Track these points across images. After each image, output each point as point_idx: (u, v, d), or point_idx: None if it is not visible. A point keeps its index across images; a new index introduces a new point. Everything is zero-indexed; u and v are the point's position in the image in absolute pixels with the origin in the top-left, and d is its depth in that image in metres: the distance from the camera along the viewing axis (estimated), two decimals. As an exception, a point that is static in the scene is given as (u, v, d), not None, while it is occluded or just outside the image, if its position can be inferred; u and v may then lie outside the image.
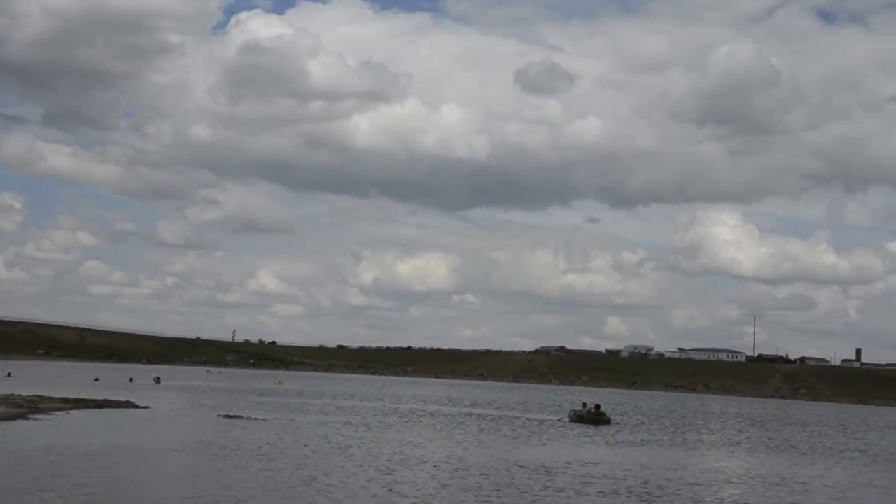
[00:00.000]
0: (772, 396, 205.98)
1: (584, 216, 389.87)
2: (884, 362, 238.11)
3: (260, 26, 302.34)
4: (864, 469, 39.39)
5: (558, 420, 60.48)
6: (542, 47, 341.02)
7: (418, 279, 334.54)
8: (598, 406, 61.85)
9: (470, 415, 65.01)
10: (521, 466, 31.60)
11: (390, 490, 24.54)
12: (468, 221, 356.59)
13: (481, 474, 28.85)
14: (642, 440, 48.51)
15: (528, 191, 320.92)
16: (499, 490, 25.39)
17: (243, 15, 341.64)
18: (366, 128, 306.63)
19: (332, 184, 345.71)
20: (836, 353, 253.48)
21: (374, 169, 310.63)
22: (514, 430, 50.50)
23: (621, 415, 70.49)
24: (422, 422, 55.29)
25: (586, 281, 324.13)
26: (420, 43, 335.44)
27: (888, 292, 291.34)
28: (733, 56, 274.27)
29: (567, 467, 32.06)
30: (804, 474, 34.97)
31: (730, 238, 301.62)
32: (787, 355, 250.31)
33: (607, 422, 58.47)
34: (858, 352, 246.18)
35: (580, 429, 53.73)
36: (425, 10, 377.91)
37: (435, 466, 30.69)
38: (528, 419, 61.89)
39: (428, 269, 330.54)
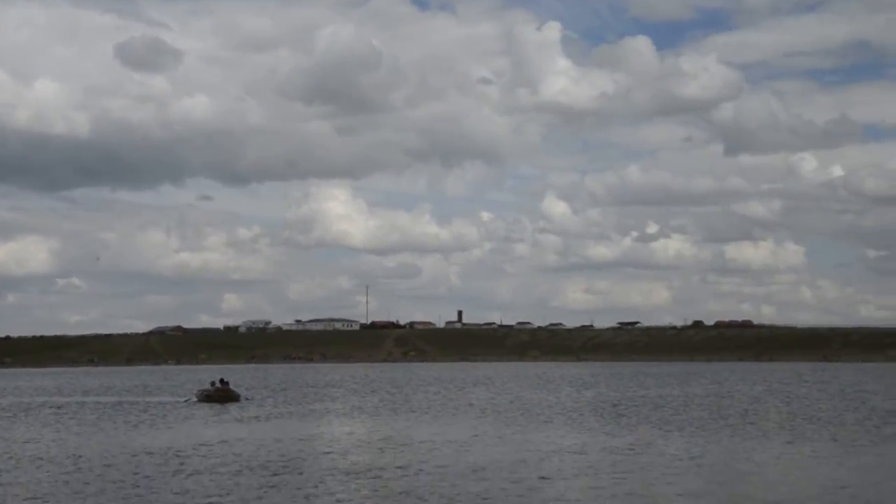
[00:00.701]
0: (384, 360, 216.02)
1: (196, 194, 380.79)
2: (482, 322, 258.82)
3: None
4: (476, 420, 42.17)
5: (185, 401, 58.31)
6: (145, 23, 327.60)
7: (15, 263, 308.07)
8: (223, 381, 60.18)
9: (83, 404, 60.85)
10: (148, 453, 29.93)
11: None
12: (71, 202, 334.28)
13: (105, 465, 26.89)
14: (271, 414, 48.24)
15: (136, 169, 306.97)
16: (123, 481, 23.77)
17: None
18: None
19: None
20: (440, 315, 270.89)
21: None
22: (137, 416, 47.96)
23: (247, 389, 69.71)
24: (29, 416, 50.75)
25: (201, 259, 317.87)
26: (7, 13, 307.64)
27: (483, 258, 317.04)
28: (337, 37, 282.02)
29: (197, 449, 30.89)
30: (423, 432, 36.63)
31: (341, 212, 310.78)
32: (397, 321, 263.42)
33: (236, 398, 57.27)
34: (460, 314, 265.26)
35: (208, 408, 52.18)
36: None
37: (51, 462, 28.11)
38: (150, 403, 59.16)
39: (27, 252, 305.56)
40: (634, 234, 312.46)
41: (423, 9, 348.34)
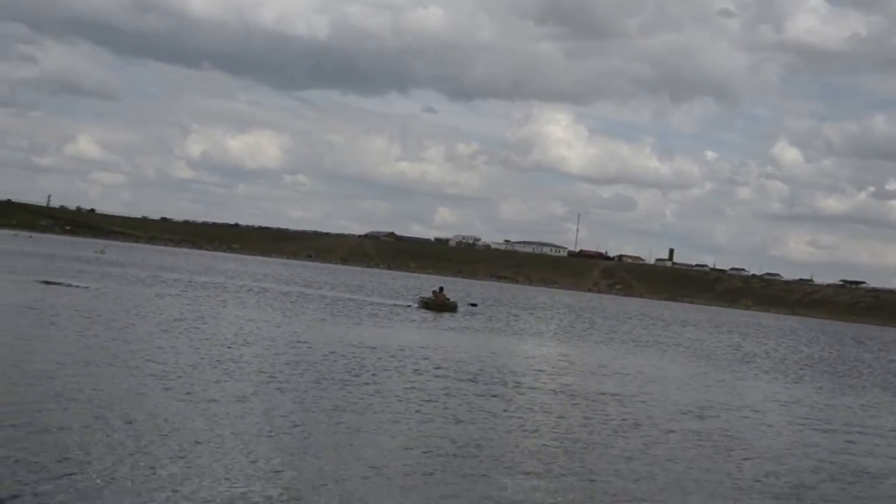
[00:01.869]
0: (589, 290, 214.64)
1: (420, 105, 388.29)
2: (693, 263, 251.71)
3: None
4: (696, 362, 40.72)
5: (406, 306, 59.69)
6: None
7: (249, 156, 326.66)
8: (441, 289, 60.89)
9: (309, 295, 63.61)
10: (370, 347, 30.59)
11: (220, 363, 22.90)
12: (303, 102, 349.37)
13: (329, 352, 27.66)
14: (488, 327, 48.50)
15: (367, 75, 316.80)
16: (348, 370, 24.25)
17: None
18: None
19: (161, 51, 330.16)
20: (651, 252, 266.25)
21: (207, 39, 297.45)
22: (359, 314, 49.48)
23: (469, 303, 70.47)
24: (259, 299, 53.47)
25: (419, 169, 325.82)
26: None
27: (702, 198, 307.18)
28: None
29: (416, 350, 31.31)
30: (637, 364, 35.64)
31: (561, 136, 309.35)
32: (606, 252, 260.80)
33: (453, 308, 57.81)
34: (671, 252, 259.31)
35: (428, 314, 53.03)
36: None
37: (279, 342, 29.26)
38: (372, 302, 61.10)
39: (259, 146, 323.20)
40: (871, 189, 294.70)
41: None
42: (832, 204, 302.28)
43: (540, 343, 42.98)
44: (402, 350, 30.70)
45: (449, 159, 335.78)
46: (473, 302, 63.30)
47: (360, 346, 30.34)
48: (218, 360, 23.24)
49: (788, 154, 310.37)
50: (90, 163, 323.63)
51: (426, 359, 28.74)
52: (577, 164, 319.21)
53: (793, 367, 44.25)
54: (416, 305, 59.37)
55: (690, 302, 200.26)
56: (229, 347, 26.44)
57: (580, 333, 52.79)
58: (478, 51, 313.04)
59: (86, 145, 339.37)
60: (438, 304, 57.64)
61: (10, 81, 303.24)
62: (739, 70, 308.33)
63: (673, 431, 19.94)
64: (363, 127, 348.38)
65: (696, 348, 50.65)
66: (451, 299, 59.92)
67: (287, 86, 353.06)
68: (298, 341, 30.30)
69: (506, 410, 20.39)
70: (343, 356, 27.08)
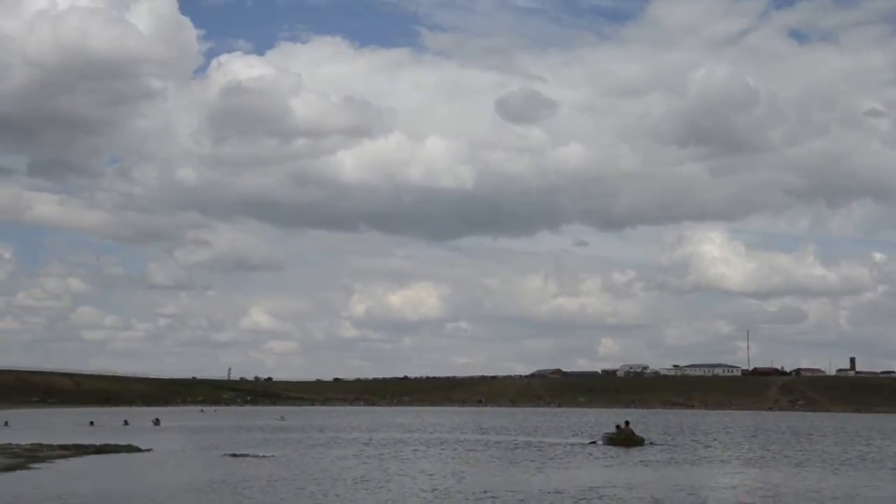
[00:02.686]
0: (770, 409, 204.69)
1: (571, 240, 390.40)
2: (879, 370, 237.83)
3: (241, 67, 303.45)
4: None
5: (590, 443, 58.28)
6: (522, 76, 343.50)
7: (410, 309, 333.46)
8: (627, 423, 58.90)
9: (486, 442, 63.29)
10: (557, 492, 30.05)
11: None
12: (457, 250, 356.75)
13: (519, 500, 27.30)
14: (675, 458, 46.62)
15: (516, 217, 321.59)
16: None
17: (224, 57, 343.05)
18: (351, 163, 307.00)
19: (319, 220, 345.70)
20: (830, 363, 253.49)
21: (361, 203, 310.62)
22: (540, 456, 48.77)
23: (651, 434, 68.26)
24: (433, 450, 53.56)
25: (577, 303, 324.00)
26: (400, 78, 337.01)
27: (877, 301, 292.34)
28: (710, 77, 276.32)
29: (604, 488, 30.55)
30: (835, 485, 33.53)
31: (717, 255, 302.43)
32: (782, 367, 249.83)
33: (639, 442, 55.87)
34: (853, 361, 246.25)
35: (614, 450, 51.63)
36: (404, 46, 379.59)
37: (458, 495, 29.11)
38: (551, 443, 60.16)
39: (419, 298, 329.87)
40: None
41: (803, 42, 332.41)
42: None
43: (737, 469, 41.05)
44: (596, 489, 30.02)
45: (606, 289, 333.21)
46: (651, 441, 61.15)
47: (550, 492, 29.81)
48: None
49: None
50: (264, 333, 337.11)
51: (614, 497, 27.97)
52: (737, 280, 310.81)
53: None
54: (602, 442, 57.62)
55: (882, 412, 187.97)
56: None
57: (775, 456, 50.18)
58: (623, 180, 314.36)
59: (259, 317, 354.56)
60: (625, 440, 55.68)
61: (188, 265, 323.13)
62: (894, 166, 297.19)
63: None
64: (517, 267, 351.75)
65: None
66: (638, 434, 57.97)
67: (440, 237, 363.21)
68: (484, 491, 30.07)
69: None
70: (534, 502, 26.66)
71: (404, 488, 31.31)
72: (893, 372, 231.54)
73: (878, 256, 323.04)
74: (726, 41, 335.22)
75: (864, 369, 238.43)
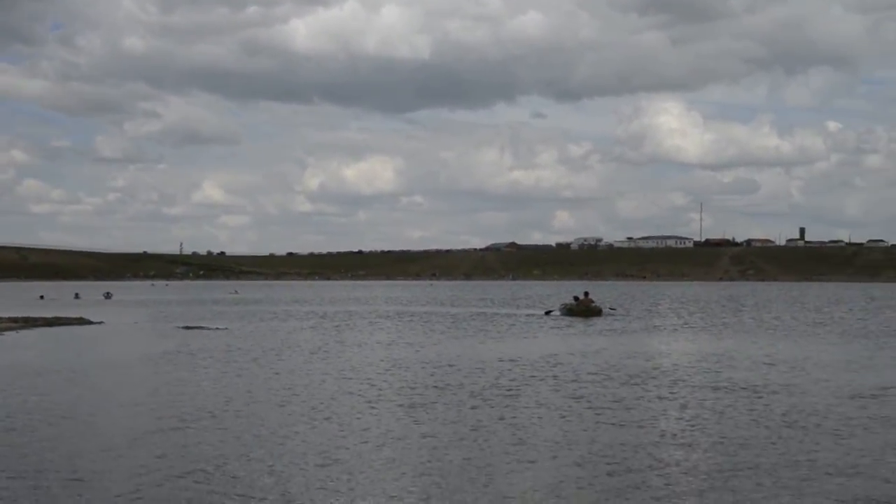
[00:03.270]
0: (720, 279, 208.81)
1: (529, 112, 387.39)
2: (827, 240, 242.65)
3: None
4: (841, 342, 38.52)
5: (546, 313, 58.49)
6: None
7: (365, 183, 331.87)
8: (586, 294, 59.26)
9: (443, 314, 63.50)
10: (511, 360, 29.95)
11: (369, 388, 22.58)
12: (413, 123, 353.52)
13: (476, 368, 27.13)
14: (634, 328, 46.91)
15: (472, 89, 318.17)
16: (495, 385, 23.61)
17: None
18: (304, 32, 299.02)
19: (272, 91, 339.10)
20: (780, 233, 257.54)
21: (314, 74, 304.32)
22: (498, 327, 48.94)
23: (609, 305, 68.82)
24: (397, 323, 53.52)
25: (533, 176, 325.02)
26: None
27: (829, 171, 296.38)
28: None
29: (564, 356, 30.52)
30: (791, 352, 33.90)
31: (674, 126, 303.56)
32: (733, 238, 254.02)
33: (598, 312, 55.86)
34: (802, 231, 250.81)
35: (573, 321, 51.77)
36: None
37: (413, 365, 28.89)
38: (510, 314, 60.53)
39: (374, 172, 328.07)
40: None
41: None
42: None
43: (690, 337, 41.45)
44: (554, 357, 30.00)
45: (562, 162, 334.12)
46: (612, 307, 61.59)
47: (507, 360, 29.70)
48: (367, 384, 22.99)
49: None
50: (217, 207, 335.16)
51: (578, 366, 27.92)
52: (693, 152, 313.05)
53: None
54: (559, 312, 57.64)
55: (829, 280, 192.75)
56: (373, 375, 26.20)
57: (726, 324, 50.87)
58: (581, 50, 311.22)
59: (211, 191, 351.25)
60: (584, 310, 55.58)
61: (137, 137, 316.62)
62: (856, 33, 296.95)
63: (854, 419, 18.58)
64: (474, 140, 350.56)
65: (856, 328, 48.05)
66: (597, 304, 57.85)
67: (396, 109, 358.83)
68: (441, 360, 29.88)
69: (668, 410, 19.42)
70: (492, 371, 26.50)
71: (362, 357, 31.03)
72: (841, 241, 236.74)
73: (832, 125, 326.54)
74: None
75: (813, 239, 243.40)
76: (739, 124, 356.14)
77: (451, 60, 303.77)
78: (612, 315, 56.78)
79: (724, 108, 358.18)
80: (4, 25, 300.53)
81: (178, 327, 46.83)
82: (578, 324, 49.28)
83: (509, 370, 26.88)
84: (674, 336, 42.44)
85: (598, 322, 50.62)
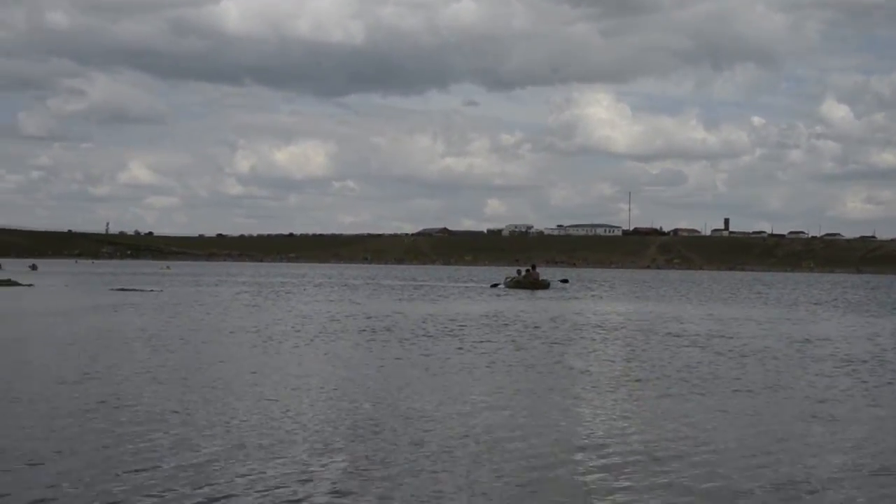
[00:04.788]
0: (647, 267, 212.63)
1: (461, 99, 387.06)
2: (750, 231, 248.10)
3: None
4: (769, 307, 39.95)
5: (493, 286, 58.39)
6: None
7: (296, 167, 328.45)
8: (534, 267, 58.73)
9: (389, 286, 63.68)
10: (430, 315, 30.43)
11: (321, 331, 22.85)
12: (345, 107, 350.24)
13: (423, 320, 27.56)
14: (578, 296, 47.65)
15: (406, 75, 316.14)
16: (414, 330, 24.06)
17: None
18: (236, 12, 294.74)
19: (202, 72, 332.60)
20: (706, 224, 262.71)
21: (246, 55, 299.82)
22: (441, 294, 49.29)
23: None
24: (339, 290, 53.49)
25: (465, 163, 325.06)
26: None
27: (753, 164, 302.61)
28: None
29: (495, 316, 31.12)
30: (722, 312, 35.07)
31: (604, 117, 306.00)
32: (661, 228, 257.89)
33: (545, 286, 55.79)
34: (727, 221, 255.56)
35: (519, 292, 51.96)
36: None
37: (348, 318, 29.21)
38: (456, 287, 60.89)
39: (306, 156, 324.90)
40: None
41: None
42: (887, 158, 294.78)
43: (627, 303, 42.43)
44: (501, 313, 30.56)
45: (494, 150, 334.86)
46: (564, 278, 62.30)
47: (456, 316, 30.18)
48: (310, 328, 23.26)
49: (837, 112, 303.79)
50: (144, 188, 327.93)
51: (521, 320, 28.54)
52: (622, 143, 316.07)
53: (869, 307, 43.29)
54: (504, 285, 57.21)
55: (752, 269, 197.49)
56: (323, 323, 26.44)
57: (661, 295, 52.12)
58: (514, 39, 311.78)
59: (138, 171, 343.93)
60: (531, 283, 55.34)
61: (61, 115, 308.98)
62: (779, 31, 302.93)
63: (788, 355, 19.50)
64: (406, 126, 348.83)
65: (776, 298, 49.74)
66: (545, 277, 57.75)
67: (328, 93, 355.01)
68: (383, 313, 30.20)
69: (616, 354, 20.10)
70: (440, 323, 26.93)
71: (301, 313, 31.17)
72: (764, 232, 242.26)
73: (756, 120, 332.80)
74: None
75: (737, 229, 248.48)
76: (667, 117, 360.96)
77: (384, 46, 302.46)
78: (564, 288, 57.09)
79: (652, 101, 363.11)
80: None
81: (111, 289, 46.27)
82: (524, 294, 49.64)
83: (452, 320, 27.35)
84: (611, 302, 43.45)
85: (544, 293, 51.03)
